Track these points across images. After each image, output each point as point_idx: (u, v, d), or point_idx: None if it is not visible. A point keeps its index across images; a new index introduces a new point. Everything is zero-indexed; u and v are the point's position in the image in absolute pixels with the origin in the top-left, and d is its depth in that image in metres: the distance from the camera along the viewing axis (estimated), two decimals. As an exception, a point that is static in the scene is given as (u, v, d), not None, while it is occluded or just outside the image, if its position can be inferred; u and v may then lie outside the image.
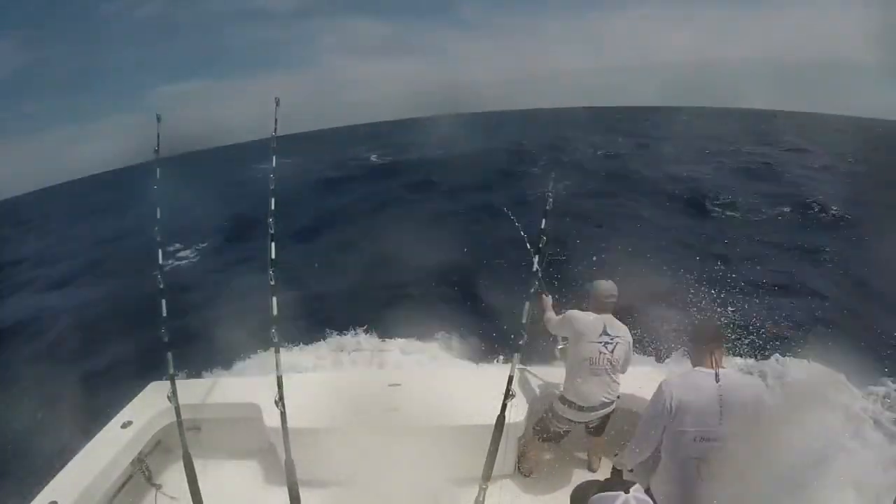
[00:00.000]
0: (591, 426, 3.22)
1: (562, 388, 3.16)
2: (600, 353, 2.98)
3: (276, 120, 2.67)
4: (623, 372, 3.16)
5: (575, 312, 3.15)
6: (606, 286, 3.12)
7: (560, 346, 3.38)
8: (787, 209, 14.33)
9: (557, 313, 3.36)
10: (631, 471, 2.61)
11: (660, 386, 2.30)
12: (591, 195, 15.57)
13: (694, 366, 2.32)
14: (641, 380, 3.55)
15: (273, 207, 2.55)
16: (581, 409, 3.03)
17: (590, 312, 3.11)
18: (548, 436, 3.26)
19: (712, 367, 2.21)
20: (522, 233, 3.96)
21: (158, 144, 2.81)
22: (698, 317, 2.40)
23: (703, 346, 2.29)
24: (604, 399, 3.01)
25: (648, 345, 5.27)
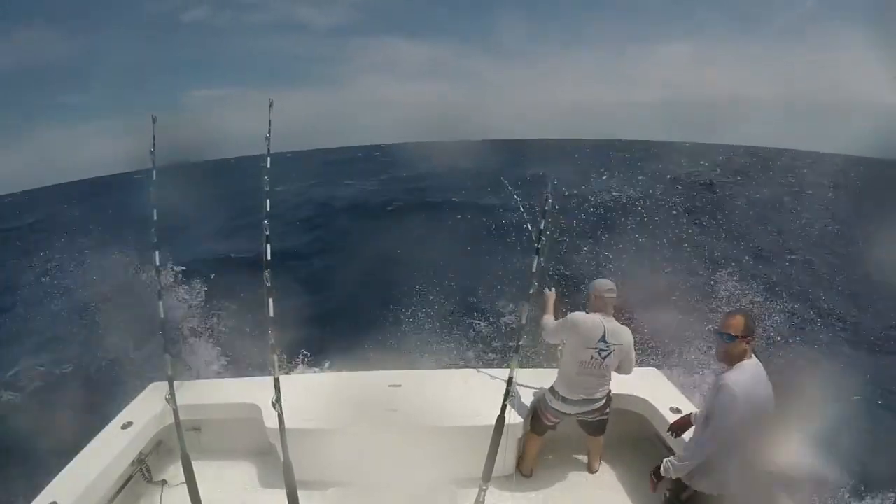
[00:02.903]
0: (587, 420, 3.20)
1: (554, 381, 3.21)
2: (592, 357, 3.00)
3: (269, 121, 2.66)
4: (628, 373, 3.16)
5: (576, 316, 3.08)
6: (604, 282, 3.11)
7: (561, 347, 3.36)
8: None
9: (558, 315, 3.31)
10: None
11: (730, 391, 2.23)
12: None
13: (738, 359, 2.33)
14: (640, 380, 3.53)
15: (268, 209, 2.54)
16: (565, 400, 3.07)
17: (593, 315, 3.05)
18: (539, 427, 3.29)
19: (751, 357, 2.35)
20: (529, 226, 3.87)
21: (154, 146, 2.80)
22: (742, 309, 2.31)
23: (752, 340, 2.33)
24: (587, 396, 3.04)
25: (648, 346, 5.24)
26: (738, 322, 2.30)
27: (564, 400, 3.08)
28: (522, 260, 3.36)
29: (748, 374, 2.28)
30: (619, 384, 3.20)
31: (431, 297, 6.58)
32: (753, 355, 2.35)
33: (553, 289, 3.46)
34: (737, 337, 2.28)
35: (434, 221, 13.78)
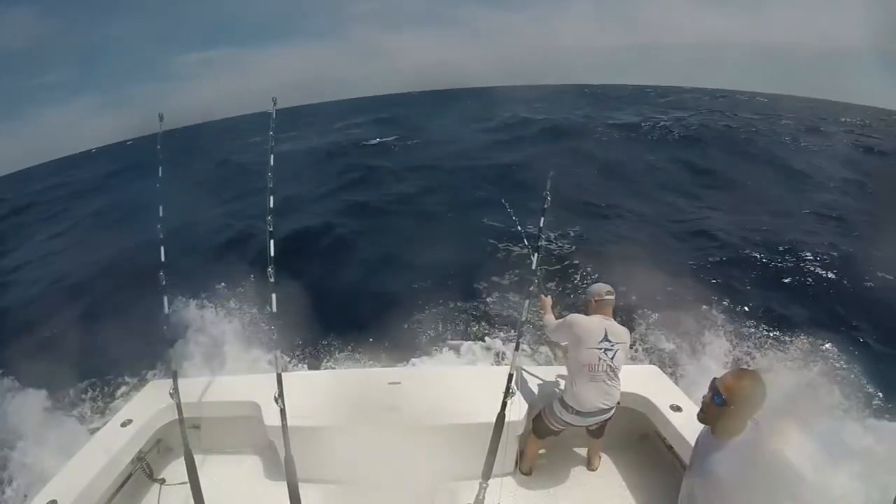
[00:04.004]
0: (590, 428, 3.21)
1: (562, 389, 3.16)
2: (600, 359, 2.95)
3: (272, 119, 2.68)
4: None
5: (575, 317, 3.10)
6: (602, 286, 3.14)
7: (563, 343, 3.38)
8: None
9: (556, 315, 3.34)
10: None
11: (718, 480, 1.83)
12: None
13: (723, 430, 1.88)
14: (640, 378, 3.56)
15: (271, 206, 2.56)
16: (578, 413, 3.01)
17: (592, 316, 3.08)
18: (542, 432, 3.27)
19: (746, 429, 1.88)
20: (519, 227, 3.95)
21: (159, 142, 2.82)
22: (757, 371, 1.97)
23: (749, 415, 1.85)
24: (602, 405, 2.99)
25: (648, 345, 5.24)
26: (740, 388, 1.78)
27: (578, 413, 3.01)
28: (521, 256, 3.38)
29: (739, 454, 1.80)
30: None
31: (427, 294, 6.51)
32: (750, 431, 1.84)
33: (549, 295, 3.52)
34: (727, 404, 1.80)
35: (429, 198, 13.47)
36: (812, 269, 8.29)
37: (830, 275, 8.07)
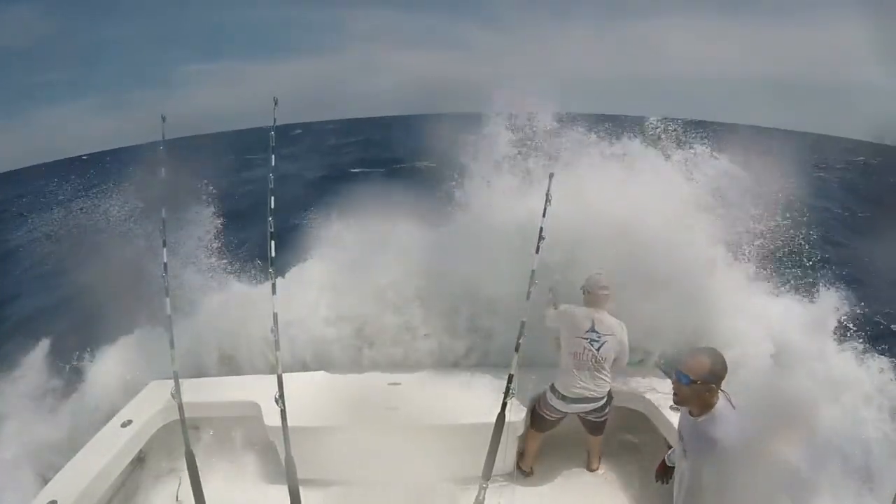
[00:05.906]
0: (585, 418, 3.25)
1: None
2: (585, 349, 3.06)
3: (274, 119, 2.69)
4: (622, 366, 3.21)
5: (567, 307, 3.25)
6: (597, 280, 3.20)
7: (556, 337, 3.44)
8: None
9: (557, 307, 3.40)
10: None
11: (722, 447, 1.90)
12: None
13: (699, 406, 1.98)
14: (641, 378, 3.59)
15: (272, 206, 2.58)
16: (564, 398, 3.11)
17: (581, 307, 3.19)
18: (539, 424, 3.33)
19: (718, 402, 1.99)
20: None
21: (163, 142, 2.84)
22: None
23: (716, 388, 1.95)
24: (587, 394, 3.07)
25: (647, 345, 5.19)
26: (700, 364, 1.91)
27: (563, 398, 3.12)
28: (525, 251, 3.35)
29: (732, 421, 1.89)
30: (620, 382, 3.25)
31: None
32: (724, 400, 1.96)
33: (551, 289, 3.55)
34: (695, 382, 1.90)
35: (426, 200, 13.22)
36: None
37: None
